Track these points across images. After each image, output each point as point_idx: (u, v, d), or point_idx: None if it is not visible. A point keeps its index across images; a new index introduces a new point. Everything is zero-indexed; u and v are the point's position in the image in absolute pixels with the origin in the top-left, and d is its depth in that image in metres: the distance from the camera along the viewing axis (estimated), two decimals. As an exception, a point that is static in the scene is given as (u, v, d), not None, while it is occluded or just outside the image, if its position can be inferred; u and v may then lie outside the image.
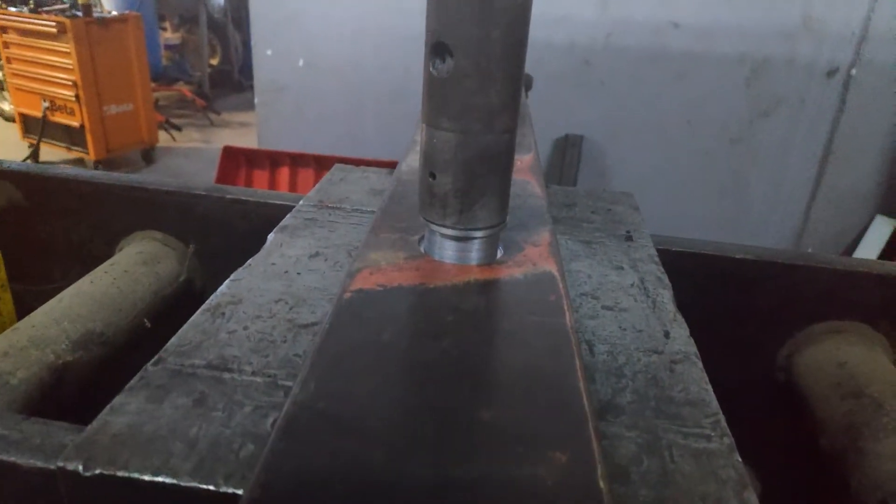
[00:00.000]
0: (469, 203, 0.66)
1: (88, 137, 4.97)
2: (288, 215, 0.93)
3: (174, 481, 0.48)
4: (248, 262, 0.80)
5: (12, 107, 5.52)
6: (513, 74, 0.62)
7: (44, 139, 5.16)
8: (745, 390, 1.20)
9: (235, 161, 3.27)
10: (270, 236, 0.87)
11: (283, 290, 0.75)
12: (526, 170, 1.03)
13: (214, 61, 7.73)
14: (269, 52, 3.22)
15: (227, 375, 0.60)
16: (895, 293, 1.12)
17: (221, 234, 1.11)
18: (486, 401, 0.51)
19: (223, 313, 0.69)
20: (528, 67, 1.80)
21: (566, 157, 3.05)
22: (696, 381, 0.66)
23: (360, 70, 3.16)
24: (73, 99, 4.88)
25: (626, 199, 1.13)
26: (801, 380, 1.12)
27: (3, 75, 5.57)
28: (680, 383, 0.65)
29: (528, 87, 1.81)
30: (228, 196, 1.09)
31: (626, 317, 0.76)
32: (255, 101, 3.42)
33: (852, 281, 1.12)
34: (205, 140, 6.23)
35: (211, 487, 0.48)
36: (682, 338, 0.73)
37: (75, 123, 4.97)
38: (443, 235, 0.69)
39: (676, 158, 3.24)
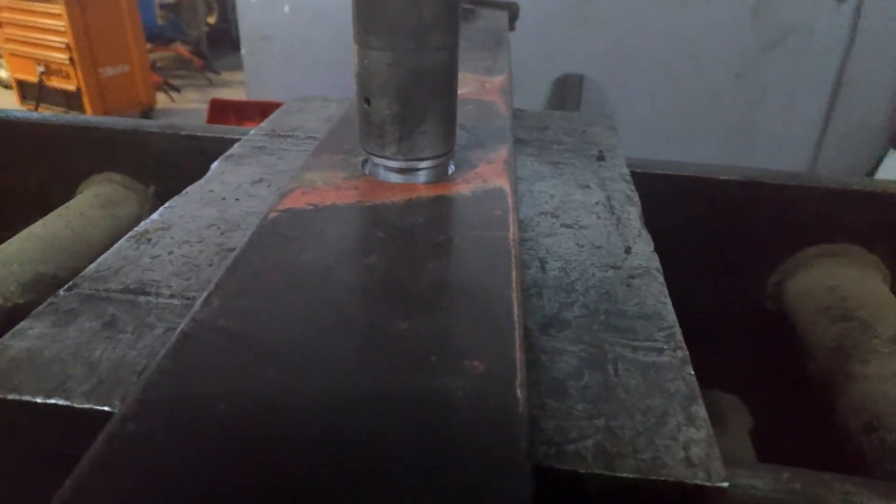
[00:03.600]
0: (408, 130, 0.62)
1: (85, 101, 4.92)
2: (236, 144, 0.88)
3: (67, 403, 0.45)
4: (186, 189, 0.76)
5: (8, 73, 5.47)
6: None
7: (41, 104, 5.12)
8: (733, 321, 1.15)
9: (224, 114, 3.21)
10: (214, 165, 0.82)
11: (218, 215, 0.71)
12: (494, 91, 0.97)
13: (211, 20, 7.57)
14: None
15: (142, 298, 0.56)
16: (891, 213, 1.06)
17: (179, 172, 1.07)
18: (406, 314, 0.46)
19: (149, 239, 0.65)
20: (524, 1, 1.71)
21: (566, 98, 2.94)
22: (654, 294, 0.61)
23: (348, 14, 3.04)
24: (68, 62, 4.82)
25: (603, 120, 1.07)
26: (790, 306, 1.07)
27: (-2, 41, 5.51)
28: (636, 297, 0.60)
29: (514, 17, 1.72)
30: (183, 132, 1.04)
31: (586, 234, 0.71)
32: (242, 51, 3.33)
33: (846, 201, 1.06)
34: (204, 100, 6.11)
35: (106, 409, 0.45)
36: (644, 253, 0.68)
37: (71, 87, 4.92)
38: (386, 168, 0.65)
39: (681, 95, 3.13)
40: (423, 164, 0.65)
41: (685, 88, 3.13)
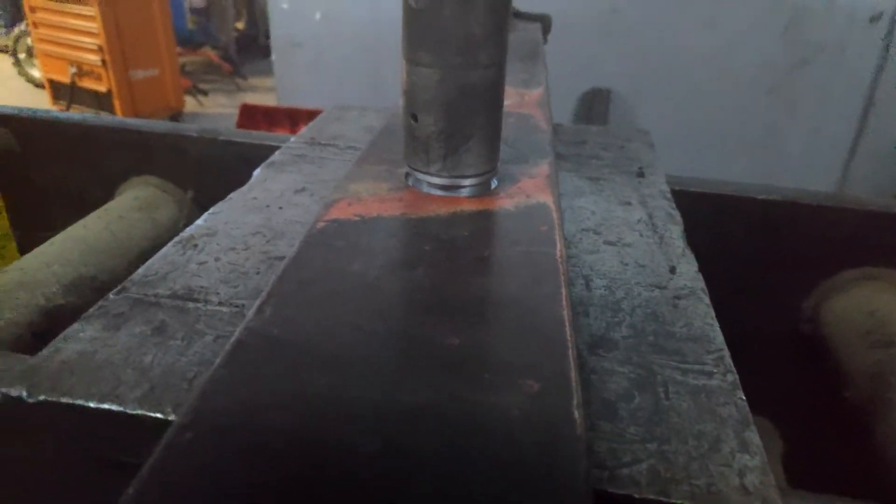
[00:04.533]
0: (454, 146, 0.63)
1: (116, 103, 5.00)
2: (277, 152, 0.89)
3: (120, 409, 0.45)
4: (230, 196, 0.76)
5: (41, 73, 5.58)
6: (496, 2, 0.57)
7: (73, 105, 5.21)
8: (767, 343, 1.13)
9: (253, 119, 3.25)
10: (256, 172, 0.83)
11: (262, 223, 0.71)
12: (533, 104, 0.97)
13: (241, 25, 7.68)
14: (284, 6, 3.15)
15: (191, 305, 0.57)
16: (934, 237, 1.04)
17: (218, 177, 1.08)
18: (455, 328, 0.46)
19: (195, 245, 0.66)
20: (551, 15, 1.70)
21: (593, 112, 2.93)
22: (701, 316, 0.60)
23: (378, 23, 3.06)
24: (100, 64, 4.90)
25: (640, 136, 1.06)
26: (827, 330, 1.05)
27: (32, 41, 5.61)
28: (682, 318, 0.59)
29: (547, 30, 1.72)
30: (221, 138, 1.05)
31: (630, 252, 0.70)
32: (272, 57, 3.36)
33: (886, 223, 1.04)
34: (232, 105, 6.20)
35: (158, 416, 0.45)
36: (689, 273, 0.67)
37: (102, 88, 5.00)
38: (430, 185, 0.65)
39: (709, 111, 3.10)
40: (467, 182, 0.65)
41: (713, 104, 3.11)
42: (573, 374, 0.42)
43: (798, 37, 2.93)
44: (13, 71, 6.41)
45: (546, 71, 1.19)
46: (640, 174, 0.90)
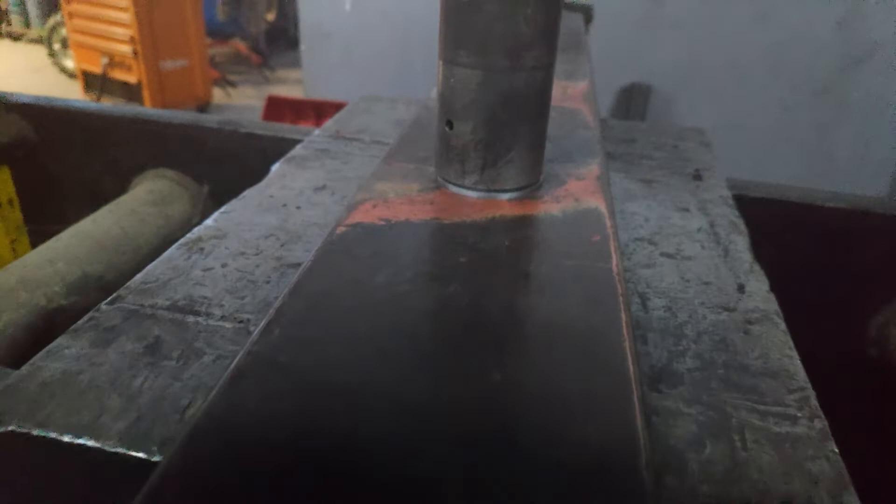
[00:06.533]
0: (493, 158, 0.56)
1: (145, 93, 5.01)
2: (299, 145, 0.82)
3: (97, 445, 0.39)
4: (244, 193, 0.69)
5: (75, 64, 5.63)
6: None
7: (103, 95, 5.24)
8: (830, 368, 1.03)
9: (280, 111, 3.20)
10: (274, 167, 0.76)
11: (277, 224, 0.64)
12: (578, 98, 0.89)
13: (271, 17, 7.67)
14: (314, -5, 3.10)
15: (190, 319, 0.50)
16: None
17: (236, 171, 1.01)
18: (496, 359, 0.39)
19: (202, 248, 0.59)
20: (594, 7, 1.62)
21: (631, 109, 2.82)
22: (778, 345, 0.52)
23: (409, 13, 2.99)
24: (131, 54, 4.92)
25: (695, 134, 0.97)
26: (897, 352, 0.95)
27: (66, 32, 5.66)
28: (756, 348, 0.51)
29: (589, 20, 1.63)
30: (242, 130, 0.98)
31: (691, 266, 0.62)
32: (301, 47, 3.30)
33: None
34: (260, 97, 6.19)
35: (141, 455, 0.38)
36: (759, 293, 0.58)
37: (133, 79, 5.02)
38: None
39: (755, 111, 2.96)
40: (506, 197, 0.58)
41: (760, 104, 2.97)
42: (639, 423, 0.34)
43: (853, 33, 2.78)
44: (48, 61, 6.48)
45: (590, 63, 1.10)
46: (698, 176, 0.81)
